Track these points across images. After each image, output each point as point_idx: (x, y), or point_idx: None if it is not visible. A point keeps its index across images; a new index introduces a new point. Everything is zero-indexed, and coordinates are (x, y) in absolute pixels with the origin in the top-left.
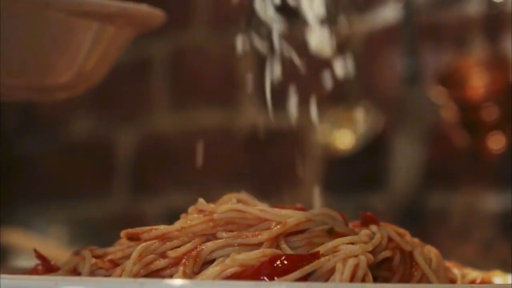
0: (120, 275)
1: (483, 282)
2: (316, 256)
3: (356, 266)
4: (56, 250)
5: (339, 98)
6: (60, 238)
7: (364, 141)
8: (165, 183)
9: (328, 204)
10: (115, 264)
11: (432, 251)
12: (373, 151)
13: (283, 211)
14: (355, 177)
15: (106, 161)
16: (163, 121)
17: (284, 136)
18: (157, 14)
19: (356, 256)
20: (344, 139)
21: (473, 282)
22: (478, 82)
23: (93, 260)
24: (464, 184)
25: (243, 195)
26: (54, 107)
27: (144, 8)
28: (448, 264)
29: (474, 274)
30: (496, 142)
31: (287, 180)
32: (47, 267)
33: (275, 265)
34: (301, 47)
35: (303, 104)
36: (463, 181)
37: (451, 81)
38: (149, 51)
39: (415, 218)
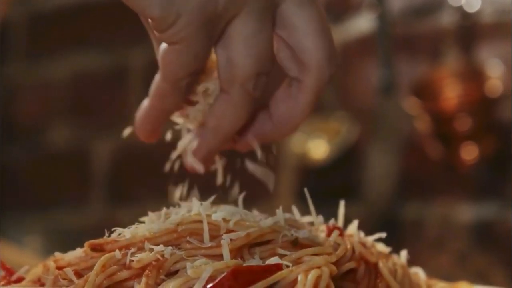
0: (83, 286)
1: None
2: (278, 267)
3: (319, 278)
4: (32, 259)
5: (314, 108)
6: (37, 248)
7: (339, 151)
8: (142, 192)
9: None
10: (79, 275)
11: (398, 263)
12: (347, 162)
13: (247, 222)
14: (329, 187)
15: (82, 171)
16: None
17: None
18: None
19: (319, 267)
20: (319, 149)
21: None
22: (451, 93)
23: (57, 271)
24: (439, 194)
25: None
26: (32, 117)
27: None
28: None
29: (440, 284)
30: (469, 153)
31: (262, 189)
32: (11, 278)
33: (237, 276)
34: None
35: None
36: (437, 191)
37: (425, 92)
38: (126, 60)
39: (389, 228)
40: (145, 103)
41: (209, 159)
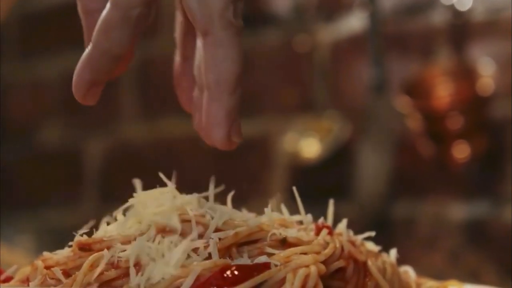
0: (72, 286)
1: None
2: (267, 266)
3: (307, 277)
4: (23, 259)
5: (306, 107)
6: (28, 247)
7: (331, 150)
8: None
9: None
10: (67, 274)
11: (387, 261)
12: (339, 160)
13: (236, 221)
14: (321, 186)
15: (74, 170)
16: (132, 129)
17: (251, 144)
18: None
19: (307, 266)
20: (310, 148)
21: None
22: (443, 92)
23: (45, 271)
24: (430, 193)
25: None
26: (24, 116)
27: None
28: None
29: (430, 283)
30: (461, 151)
31: (254, 188)
32: None
33: (225, 275)
34: (268, 54)
35: (270, 112)
36: (429, 190)
37: (417, 90)
38: None
39: (381, 227)
40: (87, 48)
41: (235, 123)
